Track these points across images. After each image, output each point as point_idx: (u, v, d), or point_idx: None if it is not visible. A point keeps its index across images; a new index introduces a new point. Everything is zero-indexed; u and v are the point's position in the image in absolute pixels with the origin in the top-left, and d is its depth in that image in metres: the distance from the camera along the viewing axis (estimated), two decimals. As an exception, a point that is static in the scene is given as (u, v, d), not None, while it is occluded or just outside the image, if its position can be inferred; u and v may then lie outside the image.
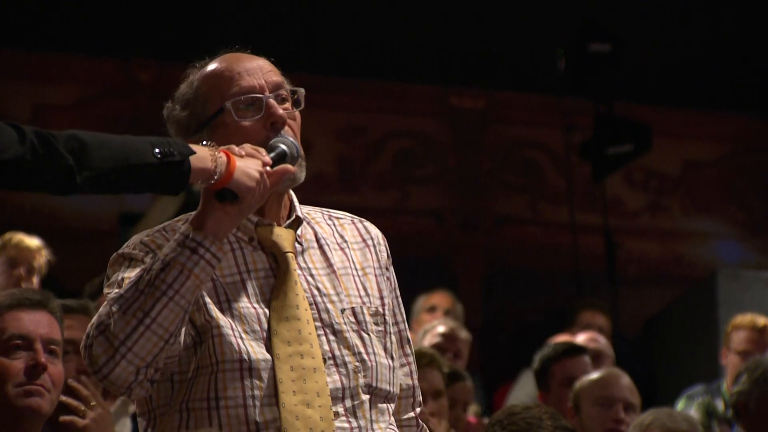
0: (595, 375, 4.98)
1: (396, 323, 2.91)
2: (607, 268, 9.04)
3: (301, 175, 2.79)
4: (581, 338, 6.17)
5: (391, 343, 2.83)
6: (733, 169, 10.54)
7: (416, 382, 2.94)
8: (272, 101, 2.78)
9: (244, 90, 2.77)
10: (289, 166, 2.69)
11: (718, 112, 10.42)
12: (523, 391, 6.94)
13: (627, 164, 9.42)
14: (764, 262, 9.90)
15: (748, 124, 10.54)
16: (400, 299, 2.94)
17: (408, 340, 2.94)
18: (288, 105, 2.82)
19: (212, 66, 2.82)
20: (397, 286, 2.94)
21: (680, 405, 6.25)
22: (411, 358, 2.94)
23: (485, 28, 9.61)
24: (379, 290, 2.84)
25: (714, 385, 6.36)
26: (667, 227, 10.38)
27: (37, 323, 3.35)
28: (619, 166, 9.30)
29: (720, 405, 6.21)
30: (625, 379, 4.91)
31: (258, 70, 2.80)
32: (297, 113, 2.84)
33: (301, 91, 2.84)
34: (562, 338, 6.42)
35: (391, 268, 2.93)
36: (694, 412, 6.10)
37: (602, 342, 6.15)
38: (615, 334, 7.33)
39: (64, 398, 3.54)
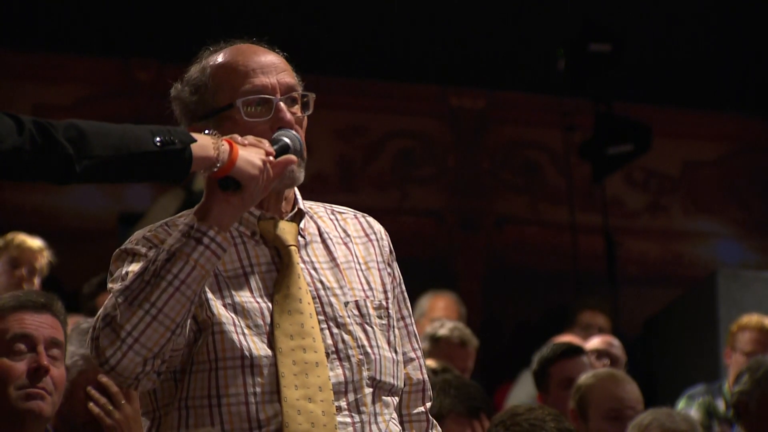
0: (603, 383, 4.88)
1: (402, 318, 2.91)
2: (607, 268, 9.04)
3: (300, 176, 2.78)
4: (595, 341, 6.14)
5: (395, 336, 2.83)
6: (733, 169, 10.54)
7: (426, 376, 2.94)
8: (282, 105, 2.76)
9: (256, 89, 2.76)
10: (292, 157, 2.69)
11: (718, 112, 10.42)
12: (523, 391, 6.93)
13: (627, 164, 9.42)
14: (764, 262, 9.90)
15: (748, 124, 10.54)
16: (405, 294, 2.94)
17: (415, 334, 2.93)
18: (297, 108, 2.80)
19: (227, 56, 2.80)
20: (402, 281, 2.93)
21: (681, 405, 6.25)
22: (420, 353, 2.93)
23: (485, 28, 9.61)
24: (383, 284, 2.84)
25: (715, 385, 6.36)
26: (667, 227, 10.37)
27: (41, 325, 3.31)
28: (619, 166, 9.30)
29: (721, 405, 6.20)
30: (633, 387, 4.85)
31: (272, 68, 2.79)
32: (305, 117, 2.83)
33: (312, 95, 2.83)
34: (564, 338, 6.42)
35: (395, 263, 2.93)
36: (695, 412, 6.09)
37: (616, 345, 6.11)
38: (615, 334, 7.32)
39: (93, 392, 3.52)
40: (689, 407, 6.19)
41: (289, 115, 2.77)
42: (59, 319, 3.38)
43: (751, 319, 6.33)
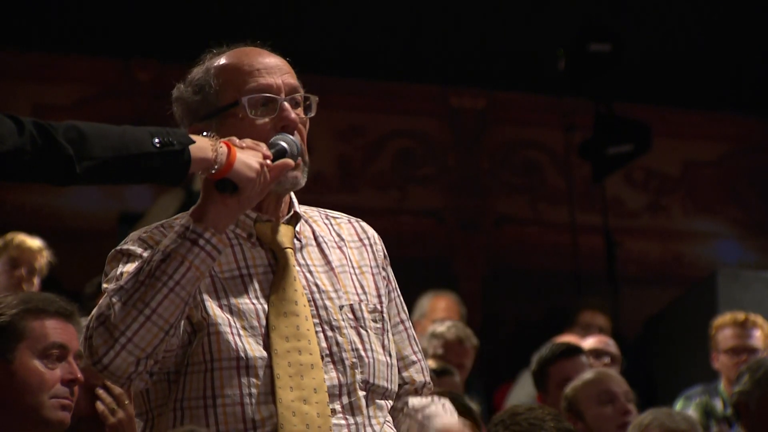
0: (586, 376, 4.94)
1: (401, 321, 2.92)
2: (607, 268, 9.04)
3: (302, 180, 2.79)
4: (591, 341, 6.16)
5: (389, 340, 2.84)
6: (733, 169, 10.54)
7: (429, 378, 2.95)
8: (287, 104, 2.78)
9: (261, 87, 2.77)
10: (289, 161, 2.69)
11: (718, 112, 10.42)
12: (523, 391, 6.94)
13: (627, 164, 9.43)
14: (764, 262, 9.89)
15: (748, 124, 10.54)
16: (401, 298, 2.94)
17: (414, 338, 2.95)
18: (300, 110, 2.82)
19: (231, 57, 2.82)
20: (397, 285, 2.94)
21: (678, 405, 6.25)
22: (420, 355, 2.95)
23: (485, 28, 9.62)
24: (377, 288, 2.85)
25: (712, 386, 6.37)
26: (667, 227, 10.37)
27: (73, 336, 3.28)
28: (619, 166, 9.30)
29: (718, 405, 6.21)
30: (614, 372, 4.91)
31: (277, 69, 2.80)
32: (307, 119, 2.84)
33: (315, 98, 2.85)
34: (565, 338, 6.42)
35: (389, 268, 2.93)
36: (692, 413, 6.09)
37: (612, 344, 6.13)
38: (615, 334, 7.33)
39: (101, 392, 3.53)
40: (686, 408, 6.20)
41: (293, 115, 2.78)
42: (78, 331, 3.37)
43: (725, 317, 6.38)
